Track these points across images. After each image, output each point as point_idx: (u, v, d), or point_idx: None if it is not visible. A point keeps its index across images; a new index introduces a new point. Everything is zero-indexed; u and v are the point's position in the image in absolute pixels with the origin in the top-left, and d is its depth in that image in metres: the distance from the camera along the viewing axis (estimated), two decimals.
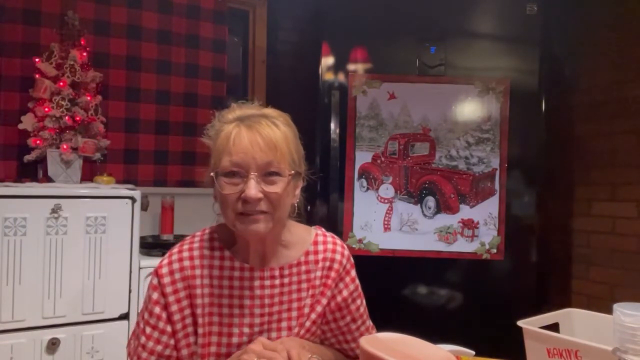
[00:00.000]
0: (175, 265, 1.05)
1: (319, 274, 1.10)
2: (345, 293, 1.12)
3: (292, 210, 1.07)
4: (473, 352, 1.19)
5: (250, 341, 1.04)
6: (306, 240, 1.13)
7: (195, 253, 1.06)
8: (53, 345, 1.83)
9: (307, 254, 1.11)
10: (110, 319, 1.94)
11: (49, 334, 1.84)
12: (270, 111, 1.06)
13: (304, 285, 1.09)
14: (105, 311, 1.93)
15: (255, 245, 1.05)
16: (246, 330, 1.05)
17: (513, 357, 1.14)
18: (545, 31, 2.39)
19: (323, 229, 1.18)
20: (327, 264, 1.11)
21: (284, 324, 1.07)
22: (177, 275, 1.04)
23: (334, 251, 1.12)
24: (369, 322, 1.21)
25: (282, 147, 0.99)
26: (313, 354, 1.02)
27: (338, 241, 1.16)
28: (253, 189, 0.96)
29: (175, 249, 1.08)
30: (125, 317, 1.97)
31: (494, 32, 2.41)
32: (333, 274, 1.11)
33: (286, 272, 1.08)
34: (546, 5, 2.37)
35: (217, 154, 1.00)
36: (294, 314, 1.08)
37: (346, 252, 1.14)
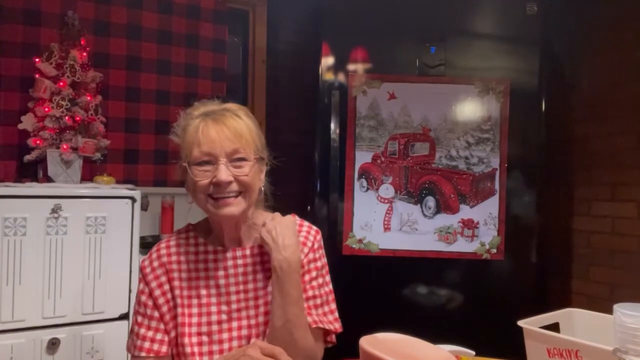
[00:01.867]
0: (154, 255, 1.16)
1: None
2: (304, 260, 1.16)
3: (259, 194, 1.15)
4: (473, 353, 1.19)
5: (229, 319, 1.11)
6: None
7: (172, 243, 1.17)
8: (53, 345, 1.83)
9: None
10: (110, 319, 1.94)
11: (49, 334, 1.83)
12: (231, 105, 1.15)
13: None
14: (105, 311, 1.93)
15: (229, 230, 1.14)
16: (224, 308, 1.12)
17: (513, 357, 1.14)
18: (545, 31, 2.39)
19: (296, 216, 1.24)
20: None
21: (260, 301, 1.13)
22: (156, 263, 1.14)
23: (299, 231, 1.18)
24: (321, 305, 1.16)
25: (246, 135, 1.10)
26: None
27: (306, 223, 1.22)
28: (224, 173, 1.05)
29: (155, 245, 1.19)
30: (125, 317, 1.96)
31: (494, 32, 2.41)
32: (306, 250, 1.16)
33: (256, 251, 1.16)
34: (546, 5, 2.37)
35: (187, 147, 1.11)
36: (269, 289, 1.12)
37: (312, 232, 1.20)
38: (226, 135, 1.07)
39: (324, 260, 1.21)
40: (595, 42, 2.63)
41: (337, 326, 1.17)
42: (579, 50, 2.71)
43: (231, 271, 1.13)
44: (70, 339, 1.87)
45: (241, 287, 1.13)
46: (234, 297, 1.12)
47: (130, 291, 1.98)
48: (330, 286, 1.20)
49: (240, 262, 1.14)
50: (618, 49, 2.51)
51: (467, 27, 2.41)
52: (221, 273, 1.13)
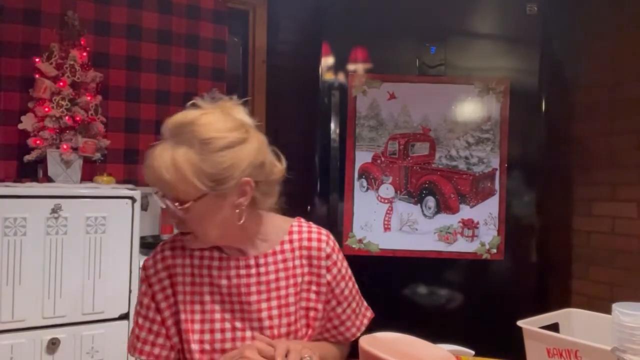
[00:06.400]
0: (158, 257, 1.11)
1: (297, 262, 1.12)
2: (328, 277, 1.13)
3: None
4: (473, 352, 1.19)
5: (233, 328, 1.08)
6: (283, 229, 1.15)
7: (177, 244, 1.12)
8: (53, 345, 1.83)
9: (282, 243, 1.13)
10: (110, 319, 1.94)
11: (49, 334, 1.84)
12: (188, 123, 0.97)
13: (282, 275, 1.11)
14: (105, 311, 1.94)
15: (224, 245, 1.10)
16: (227, 316, 1.09)
17: (513, 357, 1.14)
18: (545, 31, 2.39)
19: (303, 220, 1.20)
20: (305, 252, 1.13)
21: (264, 314, 1.09)
22: (160, 266, 1.10)
23: (309, 239, 1.14)
24: (356, 306, 1.20)
25: (172, 180, 0.95)
26: (314, 354, 1.00)
27: (314, 229, 1.17)
28: (169, 212, 1.01)
29: (159, 245, 1.15)
30: (125, 317, 1.97)
31: (494, 32, 2.41)
32: (315, 262, 1.13)
33: (261, 261, 1.10)
34: (546, 5, 2.37)
35: None
36: (274, 303, 1.09)
37: (324, 237, 1.16)
38: (157, 176, 0.96)
39: (342, 263, 1.17)
40: (595, 42, 2.63)
41: (369, 314, 1.23)
42: (579, 50, 2.70)
43: (234, 281, 1.08)
44: (70, 339, 1.87)
45: (244, 299, 1.08)
46: (237, 307, 1.08)
47: (130, 291, 1.98)
48: (353, 278, 1.21)
49: (243, 272, 1.09)
50: (618, 49, 2.51)
51: (467, 27, 2.41)
52: (224, 282, 1.08)
